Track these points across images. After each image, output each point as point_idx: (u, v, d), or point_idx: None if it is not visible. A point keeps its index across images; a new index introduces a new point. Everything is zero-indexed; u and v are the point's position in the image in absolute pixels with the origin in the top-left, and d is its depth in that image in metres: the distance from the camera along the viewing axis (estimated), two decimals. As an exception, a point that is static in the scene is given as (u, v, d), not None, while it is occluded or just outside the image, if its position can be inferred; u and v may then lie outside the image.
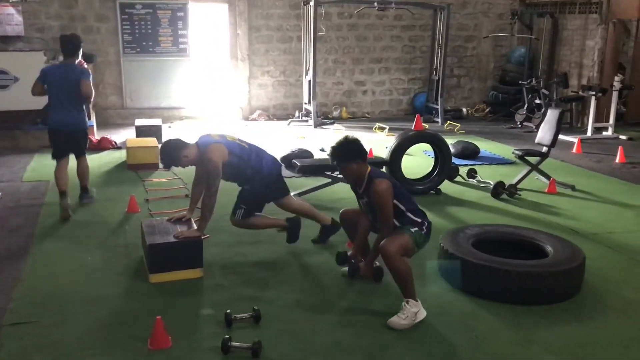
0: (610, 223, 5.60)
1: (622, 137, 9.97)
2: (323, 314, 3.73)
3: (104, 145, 8.46)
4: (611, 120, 10.13)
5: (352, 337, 3.45)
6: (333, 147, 3.82)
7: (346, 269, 4.25)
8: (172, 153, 4.30)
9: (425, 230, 3.79)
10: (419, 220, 3.79)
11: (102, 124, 10.14)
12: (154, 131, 8.63)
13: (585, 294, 4.03)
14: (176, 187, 6.50)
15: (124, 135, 9.27)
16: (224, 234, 5.05)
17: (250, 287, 4.10)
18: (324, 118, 11.22)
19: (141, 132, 8.64)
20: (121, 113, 10.83)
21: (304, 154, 7.54)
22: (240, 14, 11.11)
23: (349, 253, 4.16)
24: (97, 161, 7.75)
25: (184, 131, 9.73)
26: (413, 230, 3.73)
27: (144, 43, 10.69)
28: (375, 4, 10.59)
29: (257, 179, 4.53)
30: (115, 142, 8.62)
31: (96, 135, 8.77)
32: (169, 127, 10.16)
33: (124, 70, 10.73)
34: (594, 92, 9.89)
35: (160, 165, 5.87)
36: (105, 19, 10.52)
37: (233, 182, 4.64)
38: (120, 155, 8.00)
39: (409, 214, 3.78)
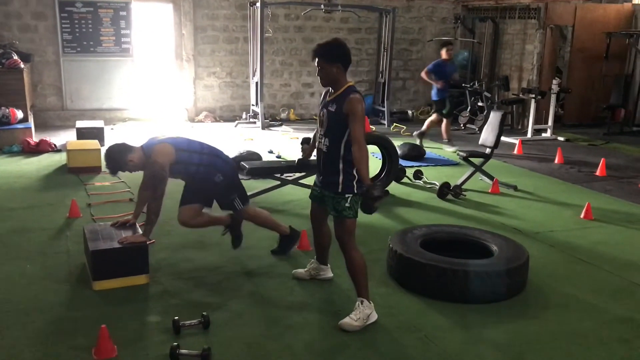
0: (551, 222, 5.79)
1: (560, 138, 10.35)
2: (274, 318, 3.69)
3: (42, 148, 8.15)
4: (550, 122, 10.49)
5: (304, 341, 3.42)
6: (318, 44, 3.62)
7: (298, 270, 4.24)
8: (117, 158, 4.16)
9: (356, 185, 3.55)
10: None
11: (41, 126, 9.78)
12: (96, 133, 8.41)
13: (529, 291, 4.14)
14: (120, 191, 6.32)
15: (64, 137, 8.97)
16: (170, 238, 4.95)
17: (199, 292, 4.02)
18: (271, 120, 11.18)
19: (82, 134, 8.41)
20: (61, 115, 10.47)
21: (252, 156, 7.47)
22: (186, 14, 10.93)
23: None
24: (35, 164, 7.47)
25: (128, 133, 9.50)
26: (348, 204, 3.54)
27: (85, 42, 10.37)
28: (322, 6, 10.63)
29: (217, 177, 4.35)
30: (54, 145, 8.32)
31: (34, 138, 8.44)
32: (112, 129, 9.90)
33: (63, 70, 10.38)
34: (533, 95, 10.23)
35: (106, 170, 5.75)
36: (43, 17, 10.15)
37: (185, 179, 4.46)
38: (60, 159, 7.73)
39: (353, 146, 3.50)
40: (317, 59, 3.57)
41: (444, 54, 8.98)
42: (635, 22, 11.44)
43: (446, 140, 9.26)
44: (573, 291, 4.21)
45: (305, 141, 4.62)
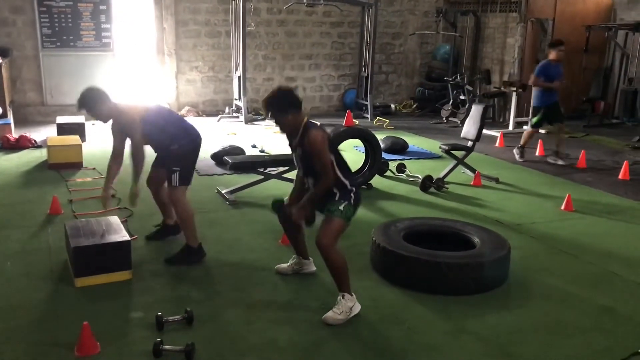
0: (532, 213, 5.85)
1: (541, 131, 10.39)
2: (257, 312, 3.69)
3: (22, 144, 8.06)
4: (531, 115, 10.55)
5: (288, 335, 3.43)
6: (267, 98, 3.67)
7: (281, 265, 4.25)
8: (94, 100, 4.27)
9: (353, 197, 3.65)
10: (347, 182, 3.66)
11: (21, 122, 9.66)
12: (77, 129, 8.32)
13: (511, 282, 4.19)
14: (101, 187, 6.24)
15: (45, 133, 8.87)
16: (153, 234, 4.93)
17: (182, 288, 4.01)
18: (254, 114, 11.14)
19: (63, 129, 8.32)
20: (41, 110, 10.35)
21: (235, 150, 7.46)
22: (166, 8, 10.84)
23: (285, 200, 4.02)
24: (15, 161, 7.38)
25: (109, 128, 9.40)
26: (342, 207, 3.60)
27: (65, 37, 10.25)
28: (304, -1, 10.60)
29: (184, 139, 4.44)
30: (35, 141, 8.23)
31: (14, 134, 8.33)
32: (93, 124, 9.78)
33: (43, 65, 10.26)
34: (514, 88, 10.30)
35: (87, 167, 5.76)
36: (21, 11, 10.01)
37: (154, 145, 4.53)
38: (40, 155, 7.64)
39: (338, 173, 3.64)
40: (270, 114, 3.66)
41: (553, 54, 7.86)
42: (614, 15, 11.57)
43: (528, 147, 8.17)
44: (554, 282, 4.26)
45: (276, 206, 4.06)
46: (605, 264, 4.60)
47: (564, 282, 4.27)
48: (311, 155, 3.60)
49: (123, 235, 4.15)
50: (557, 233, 5.28)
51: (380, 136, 7.44)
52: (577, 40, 11.35)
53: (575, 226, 5.50)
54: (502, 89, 10.96)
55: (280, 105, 3.61)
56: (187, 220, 4.45)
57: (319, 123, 3.72)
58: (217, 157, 7.31)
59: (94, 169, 6.97)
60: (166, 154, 4.47)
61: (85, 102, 4.27)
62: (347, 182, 3.66)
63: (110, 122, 4.40)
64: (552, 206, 6.09)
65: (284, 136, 3.81)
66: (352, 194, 3.66)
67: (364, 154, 6.86)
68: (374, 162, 6.64)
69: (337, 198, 3.64)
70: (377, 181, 6.75)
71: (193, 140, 4.51)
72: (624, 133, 10.32)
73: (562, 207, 5.98)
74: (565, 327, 3.62)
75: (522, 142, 8.23)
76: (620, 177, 7.29)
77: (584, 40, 11.26)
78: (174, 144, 4.40)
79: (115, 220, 4.46)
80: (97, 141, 8.46)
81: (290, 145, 3.84)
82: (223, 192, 6.06)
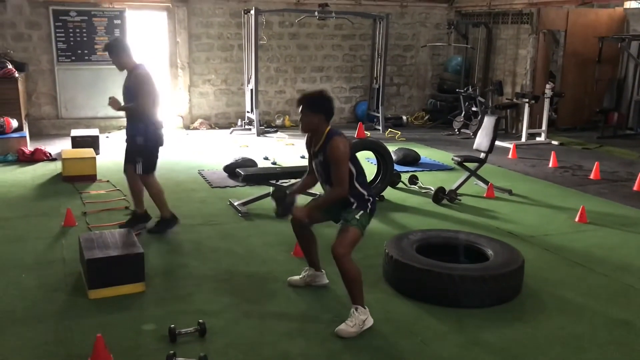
0: (546, 225, 5.81)
1: (554, 142, 10.39)
2: (270, 324, 3.69)
3: (37, 156, 8.14)
4: (544, 127, 10.54)
5: (300, 347, 3.42)
6: (305, 93, 3.77)
7: (294, 277, 4.24)
8: (120, 48, 5.06)
9: (370, 206, 3.72)
10: (365, 192, 3.71)
11: (36, 135, 9.78)
12: (91, 142, 8.41)
13: (524, 295, 4.15)
14: (115, 199, 6.32)
15: (59, 146, 8.95)
16: (166, 245, 4.95)
17: (195, 299, 4.02)
18: (267, 126, 11.19)
19: (77, 142, 8.40)
20: (56, 123, 10.47)
21: (248, 162, 7.49)
22: (180, 22, 10.96)
23: (287, 192, 3.88)
24: (30, 173, 7.46)
25: (123, 141, 9.48)
26: (358, 216, 3.65)
27: (80, 51, 10.38)
28: (316, 13, 10.67)
29: (151, 129, 4.97)
30: (49, 154, 8.31)
31: (29, 147, 8.43)
32: (107, 137, 9.89)
33: (58, 79, 10.39)
34: (527, 100, 10.28)
35: (101, 179, 5.86)
36: (37, 26, 10.16)
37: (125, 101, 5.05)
38: (55, 167, 7.72)
39: (357, 184, 3.69)
40: (301, 107, 3.70)
41: None
42: (626, 26, 11.53)
43: None
44: (568, 294, 4.22)
45: (277, 195, 3.88)
46: (620, 277, 4.55)
47: (578, 294, 4.23)
48: (330, 163, 3.62)
49: (136, 248, 4.17)
50: (571, 245, 5.24)
51: (392, 148, 7.44)
52: (590, 52, 11.32)
53: (589, 238, 5.46)
54: (515, 100, 10.94)
55: (315, 104, 3.67)
56: (158, 197, 5.18)
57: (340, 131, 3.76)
58: (230, 170, 7.35)
59: (107, 181, 7.03)
60: (131, 143, 5.08)
61: (112, 47, 5.02)
62: (365, 192, 3.71)
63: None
64: (565, 218, 6.05)
65: (303, 143, 3.83)
66: (369, 204, 3.72)
67: (376, 166, 6.86)
68: (386, 174, 6.64)
69: (354, 207, 3.68)
70: (389, 193, 6.74)
71: (157, 136, 5.07)
72: (638, 144, 10.24)
73: (576, 219, 5.94)
74: (580, 341, 3.58)
75: None
76: (635, 188, 7.23)
77: (596, 52, 11.22)
78: (140, 136, 4.95)
79: (128, 232, 4.49)
80: (111, 154, 8.54)
81: (309, 151, 3.87)
82: (235, 204, 6.09)
